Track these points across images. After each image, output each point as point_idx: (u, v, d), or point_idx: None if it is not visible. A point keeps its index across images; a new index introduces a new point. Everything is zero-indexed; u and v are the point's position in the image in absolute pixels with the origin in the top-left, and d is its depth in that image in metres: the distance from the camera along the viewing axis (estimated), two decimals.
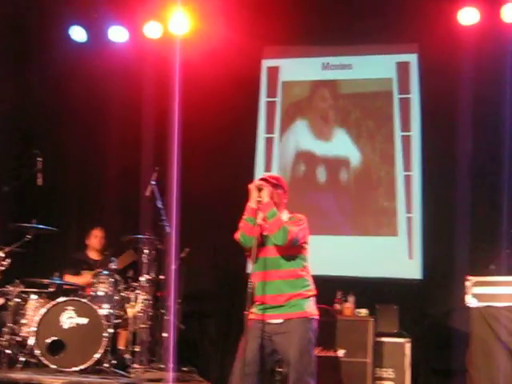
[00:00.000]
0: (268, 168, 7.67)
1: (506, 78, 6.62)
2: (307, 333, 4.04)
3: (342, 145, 7.62)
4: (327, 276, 6.59)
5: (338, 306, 6.26)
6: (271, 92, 7.91)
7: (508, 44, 6.71)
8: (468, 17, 6.91)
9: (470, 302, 5.18)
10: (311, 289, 4.21)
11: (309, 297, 4.15)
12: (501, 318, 4.98)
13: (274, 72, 7.94)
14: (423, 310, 6.81)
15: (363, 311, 6.22)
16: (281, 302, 4.07)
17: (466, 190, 6.56)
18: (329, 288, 6.22)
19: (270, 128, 7.82)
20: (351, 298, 6.32)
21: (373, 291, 6.71)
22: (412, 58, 7.57)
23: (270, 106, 7.88)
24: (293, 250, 4.14)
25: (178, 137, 6.95)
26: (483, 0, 6.84)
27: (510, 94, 6.57)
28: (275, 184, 4.26)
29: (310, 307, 4.14)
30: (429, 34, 7.00)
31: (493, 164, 6.70)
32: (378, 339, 6.08)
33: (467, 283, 5.24)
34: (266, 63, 7.95)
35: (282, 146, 7.76)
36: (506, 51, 6.68)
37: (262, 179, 4.29)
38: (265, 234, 4.15)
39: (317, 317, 4.17)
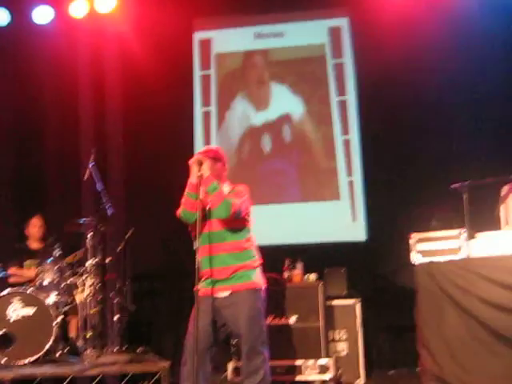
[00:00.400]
0: (207, 141, 7.62)
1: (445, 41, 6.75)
2: (255, 303, 4.07)
3: (281, 103, 7.66)
4: (274, 245, 6.67)
5: (286, 274, 6.30)
6: (205, 65, 7.83)
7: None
8: None
9: (415, 258, 5.28)
10: (256, 259, 4.23)
11: (255, 267, 4.18)
12: (446, 272, 5.08)
13: (206, 44, 7.86)
14: (371, 270, 6.95)
15: (312, 276, 6.27)
16: (227, 275, 4.07)
17: (403, 150, 6.69)
18: (277, 256, 6.27)
19: (206, 102, 7.77)
20: (299, 265, 6.36)
21: (320, 256, 6.78)
22: (343, 23, 7.62)
23: (205, 80, 7.81)
24: (236, 223, 4.14)
25: (115, 117, 6.82)
26: None
27: (437, 56, 6.71)
28: (214, 157, 4.23)
29: (257, 278, 4.16)
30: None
31: (428, 121, 6.83)
32: (329, 303, 6.15)
33: (411, 240, 5.32)
34: (198, 36, 7.87)
35: (225, 124, 7.72)
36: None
37: (200, 153, 4.26)
38: (207, 208, 4.13)
39: (264, 286, 4.19)
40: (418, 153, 6.89)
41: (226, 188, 4.22)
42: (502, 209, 5.92)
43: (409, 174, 6.81)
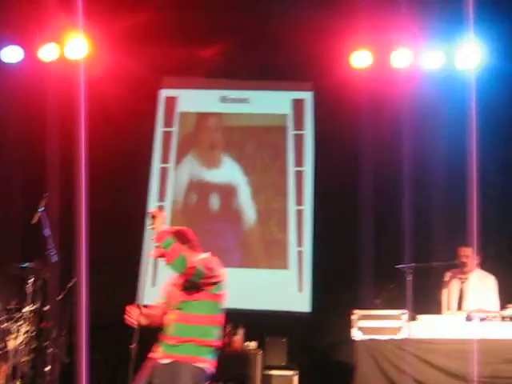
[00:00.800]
0: (162, 198, 7.62)
1: (394, 119, 6.95)
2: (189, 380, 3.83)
3: (231, 172, 7.76)
4: None
5: (227, 339, 6.23)
6: (168, 122, 7.92)
7: (396, 87, 7.08)
8: (360, 60, 7.21)
9: (356, 334, 5.31)
10: (211, 339, 3.98)
11: (204, 345, 3.94)
12: (384, 350, 5.13)
13: (171, 102, 7.96)
14: (311, 342, 6.92)
15: (252, 344, 6.23)
16: (173, 343, 3.91)
17: (354, 225, 6.79)
18: None
19: (165, 158, 7.81)
20: (240, 331, 6.32)
21: (262, 324, 6.75)
22: (307, 96, 7.83)
23: (166, 136, 7.88)
24: (197, 294, 3.96)
25: (80, 163, 6.78)
26: (375, 44, 7.13)
27: (397, 134, 6.91)
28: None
29: (202, 356, 3.92)
30: (324, 73, 7.29)
31: (381, 200, 6.96)
32: (267, 372, 6.10)
33: (353, 316, 5.37)
34: (164, 93, 7.97)
35: (175, 177, 7.77)
36: (395, 94, 7.04)
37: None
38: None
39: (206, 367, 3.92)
40: (369, 229, 6.99)
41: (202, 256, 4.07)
42: (445, 293, 6.05)
43: (356, 251, 6.89)
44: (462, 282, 6.06)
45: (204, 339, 3.93)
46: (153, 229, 3.95)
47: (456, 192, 6.58)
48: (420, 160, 6.87)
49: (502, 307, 5.47)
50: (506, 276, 6.11)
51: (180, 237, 4.02)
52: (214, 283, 4.00)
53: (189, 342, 3.89)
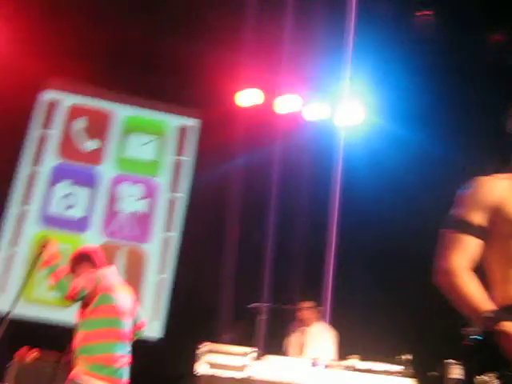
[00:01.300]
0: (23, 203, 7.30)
1: (274, 163, 7.10)
2: None
3: None
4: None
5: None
6: (46, 124, 7.64)
7: (278, 131, 7.25)
8: (247, 98, 7.32)
9: (200, 368, 5.25)
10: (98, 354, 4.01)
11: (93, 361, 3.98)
12: None
13: (52, 104, 7.72)
14: (158, 372, 6.77)
15: None
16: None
17: (219, 258, 6.82)
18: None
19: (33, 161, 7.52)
20: None
21: None
22: (193, 123, 7.86)
23: (40, 139, 7.59)
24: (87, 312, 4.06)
25: None
26: (263, 87, 7.27)
27: (267, 177, 7.06)
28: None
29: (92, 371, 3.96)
30: (211, 106, 7.34)
31: (245, 238, 7.03)
32: None
33: (201, 349, 5.31)
34: (45, 94, 7.71)
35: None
36: (275, 137, 7.21)
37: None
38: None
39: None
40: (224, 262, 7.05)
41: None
42: (287, 342, 6.19)
43: (217, 285, 6.89)
44: (304, 334, 6.23)
45: (91, 355, 3.96)
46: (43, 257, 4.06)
47: (315, 240, 6.79)
48: (285, 207, 7.03)
49: (343, 358, 5.63)
50: (348, 330, 6.33)
51: (80, 257, 4.25)
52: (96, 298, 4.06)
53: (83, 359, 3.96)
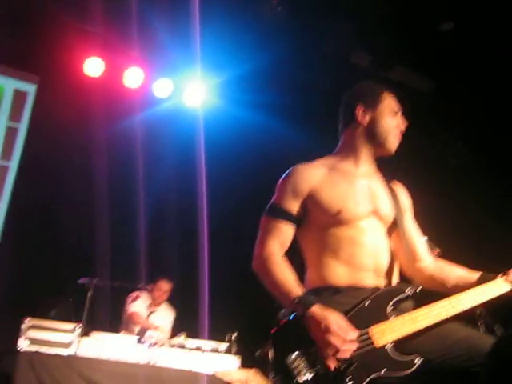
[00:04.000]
0: None
1: (122, 137, 6.94)
2: None
3: None
4: None
5: None
6: None
7: (126, 104, 7.09)
8: (93, 68, 7.05)
9: (22, 344, 5.04)
10: None
11: None
12: (48, 365, 4.92)
13: None
14: None
15: None
16: None
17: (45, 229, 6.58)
18: None
19: None
20: None
21: None
22: (31, 89, 7.42)
23: None
24: None
25: None
26: (109, 57, 7.05)
27: (125, 155, 6.91)
28: None
29: None
30: (52, 72, 6.99)
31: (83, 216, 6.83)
32: None
33: (23, 325, 5.10)
34: None
35: None
36: (124, 111, 7.05)
37: None
38: None
39: None
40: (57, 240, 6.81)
41: None
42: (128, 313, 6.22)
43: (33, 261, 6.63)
44: (151, 313, 6.31)
45: None
46: None
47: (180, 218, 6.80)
48: (149, 181, 6.93)
49: (174, 335, 5.70)
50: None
51: None
52: None
53: None
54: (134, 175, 6.80)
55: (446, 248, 3.29)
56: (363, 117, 2.77)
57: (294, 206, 2.65)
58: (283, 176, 2.75)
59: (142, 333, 5.97)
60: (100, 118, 6.90)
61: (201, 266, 6.78)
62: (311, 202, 2.65)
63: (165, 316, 6.51)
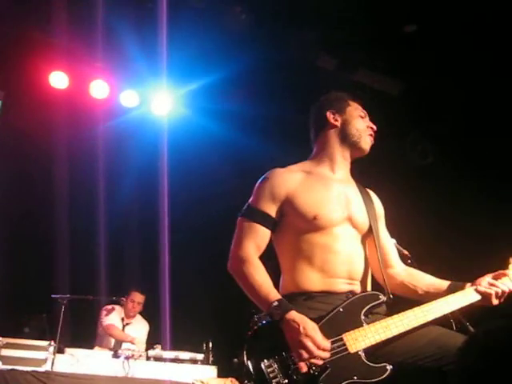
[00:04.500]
0: None
1: (87, 148, 6.91)
2: None
3: None
4: None
5: None
6: None
7: (93, 116, 7.05)
8: (58, 81, 6.98)
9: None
10: None
11: None
12: (23, 382, 4.87)
13: None
14: None
15: None
16: None
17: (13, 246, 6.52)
18: None
19: None
20: None
21: None
22: None
23: None
24: None
25: None
26: (73, 70, 6.99)
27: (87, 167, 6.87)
28: None
29: None
30: (17, 86, 6.93)
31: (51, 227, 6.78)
32: None
33: None
34: None
35: None
36: (90, 122, 7.01)
37: None
38: None
39: None
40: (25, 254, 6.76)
41: None
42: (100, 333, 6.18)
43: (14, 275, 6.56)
44: (125, 325, 6.28)
45: None
46: None
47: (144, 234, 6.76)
48: (112, 194, 6.88)
49: (149, 348, 5.67)
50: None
51: None
52: None
53: None
54: (98, 185, 6.77)
55: (414, 251, 3.33)
56: (335, 120, 2.84)
57: (270, 210, 2.66)
58: (261, 178, 2.75)
59: (118, 345, 5.93)
60: (66, 129, 6.87)
61: (162, 276, 6.79)
62: (288, 207, 2.66)
63: (140, 328, 6.50)
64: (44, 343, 5.13)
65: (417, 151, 7.34)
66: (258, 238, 2.64)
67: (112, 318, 6.29)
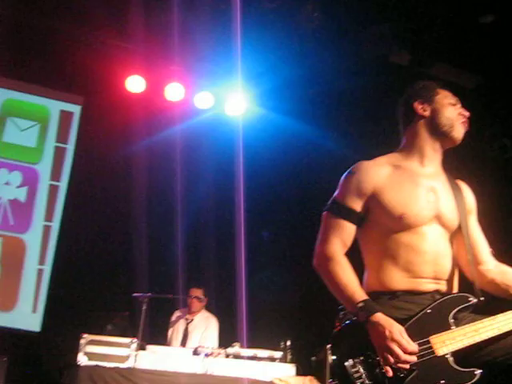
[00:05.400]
0: None
1: (165, 149, 7.05)
2: None
3: None
4: None
5: None
6: None
7: (169, 118, 7.19)
8: (134, 85, 7.17)
9: (81, 359, 5.15)
10: None
11: None
12: (108, 378, 5.03)
13: None
14: (37, 364, 6.58)
15: None
16: None
17: (99, 248, 6.70)
18: None
19: None
20: None
21: None
22: (76, 109, 7.60)
23: None
24: None
25: None
26: (150, 73, 7.15)
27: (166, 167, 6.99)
28: None
29: None
30: (96, 91, 7.15)
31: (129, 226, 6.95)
32: None
33: (81, 341, 5.21)
34: None
35: None
36: (167, 124, 7.15)
37: None
38: None
39: None
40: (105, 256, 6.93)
41: None
42: (170, 333, 6.25)
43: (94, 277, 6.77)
44: (188, 323, 6.31)
45: None
46: None
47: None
48: (188, 195, 7.00)
49: (228, 345, 5.71)
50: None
51: None
52: None
53: None
54: (175, 186, 6.89)
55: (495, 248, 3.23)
56: (423, 110, 2.73)
57: (357, 205, 2.58)
58: (347, 172, 2.67)
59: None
60: (142, 131, 7.04)
61: (238, 275, 6.81)
62: (374, 203, 2.58)
63: (202, 324, 6.41)
64: (127, 340, 5.26)
65: (495, 146, 7.13)
66: (344, 234, 2.57)
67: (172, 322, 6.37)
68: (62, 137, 7.50)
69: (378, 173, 2.61)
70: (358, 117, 6.62)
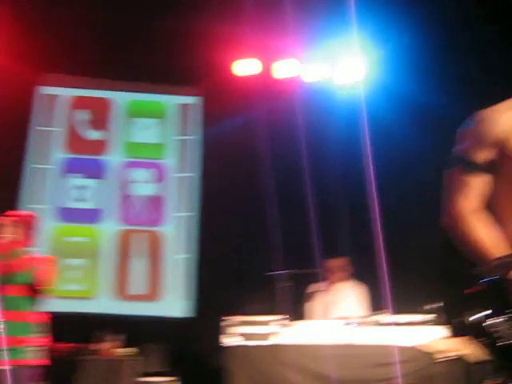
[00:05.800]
0: (34, 201, 7.28)
1: (277, 129, 7.03)
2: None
3: None
4: (91, 314, 6.41)
5: (96, 345, 5.99)
6: (46, 121, 7.59)
7: (278, 98, 7.15)
8: (246, 68, 7.19)
9: (228, 340, 5.27)
10: (41, 336, 3.99)
11: (35, 345, 3.93)
12: (257, 356, 5.08)
13: (50, 100, 7.66)
14: (190, 348, 6.83)
15: (126, 350, 6.03)
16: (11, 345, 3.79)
17: (235, 232, 6.80)
18: (91, 326, 6.01)
19: (40, 158, 7.50)
20: (113, 337, 6.10)
21: (142, 330, 6.59)
22: (193, 101, 7.77)
23: (43, 135, 7.55)
24: (34, 293, 3.96)
25: None
26: (259, 53, 7.15)
27: (289, 143, 6.96)
28: (15, 221, 4.05)
29: (34, 355, 3.90)
30: (210, 80, 7.27)
31: (256, 209, 6.99)
32: (143, 379, 5.92)
33: (226, 322, 5.32)
34: (43, 90, 7.66)
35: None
36: (283, 103, 7.12)
37: (3, 215, 4.06)
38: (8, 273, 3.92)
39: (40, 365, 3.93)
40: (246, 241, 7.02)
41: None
42: (310, 305, 6.17)
43: (236, 257, 6.87)
44: (330, 294, 6.17)
45: (36, 338, 3.92)
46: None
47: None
48: (314, 168, 6.94)
49: (377, 313, 5.57)
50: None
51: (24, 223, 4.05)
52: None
53: (23, 343, 3.85)
54: (301, 160, 6.82)
55: None
56: None
57: (484, 154, 2.37)
58: (468, 123, 2.46)
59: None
60: (263, 112, 7.05)
61: (376, 241, 6.62)
62: (501, 152, 2.35)
63: (342, 293, 6.26)
64: (271, 318, 5.30)
65: None
66: (473, 188, 2.37)
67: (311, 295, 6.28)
68: (184, 129, 7.69)
69: (503, 120, 2.36)
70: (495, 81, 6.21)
